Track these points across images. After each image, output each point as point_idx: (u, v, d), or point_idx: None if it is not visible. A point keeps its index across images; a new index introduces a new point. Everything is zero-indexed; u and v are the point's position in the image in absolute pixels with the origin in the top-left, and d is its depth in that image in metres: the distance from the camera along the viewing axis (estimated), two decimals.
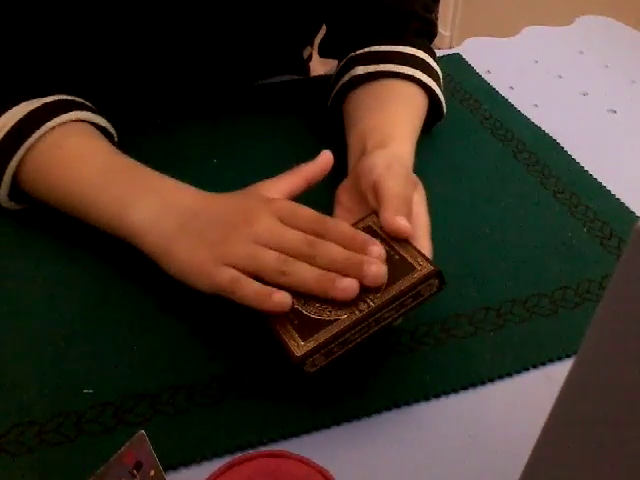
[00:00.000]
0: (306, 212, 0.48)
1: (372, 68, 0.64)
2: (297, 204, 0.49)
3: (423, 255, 0.46)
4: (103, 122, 0.59)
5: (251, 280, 0.45)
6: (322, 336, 0.43)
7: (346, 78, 0.66)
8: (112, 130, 0.61)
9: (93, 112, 0.59)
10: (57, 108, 0.56)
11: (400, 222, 0.47)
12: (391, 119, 0.60)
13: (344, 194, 0.55)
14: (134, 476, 0.37)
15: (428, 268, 0.44)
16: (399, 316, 0.44)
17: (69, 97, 0.58)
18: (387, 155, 0.53)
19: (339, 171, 0.63)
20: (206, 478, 0.38)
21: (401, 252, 0.46)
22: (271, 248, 0.46)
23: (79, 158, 0.54)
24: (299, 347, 0.43)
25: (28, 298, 0.52)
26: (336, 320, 0.43)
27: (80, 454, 0.42)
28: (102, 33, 0.65)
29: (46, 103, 0.56)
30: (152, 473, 0.37)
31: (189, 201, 0.50)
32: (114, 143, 0.61)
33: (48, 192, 0.54)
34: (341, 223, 0.48)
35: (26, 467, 0.41)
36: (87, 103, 0.60)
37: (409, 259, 0.45)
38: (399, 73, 0.64)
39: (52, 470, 0.41)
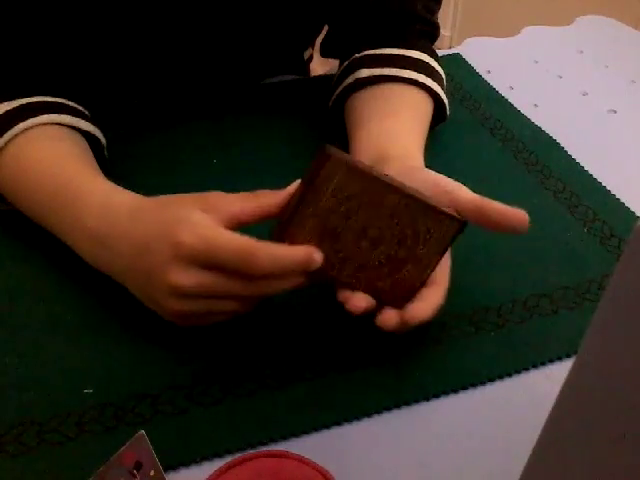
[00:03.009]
0: (226, 250, 0.42)
1: (377, 71, 0.64)
2: (212, 238, 0.42)
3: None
4: (85, 126, 0.58)
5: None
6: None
7: (350, 80, 0.66)
8: (98, 134, 0.60)
9: (76, 115, 0.58)
10: (32, 110, 0.55)
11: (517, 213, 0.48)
12: (402, 128, 0.60)
13: None
14: (134, 476, 0.37)
15: (455, 213, 0.45)
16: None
17: (51, 99, 0.57)
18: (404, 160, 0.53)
19: None
20: (206, 478, 0.38)
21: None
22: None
23: (34, 171, 0.53)
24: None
25: (28, 298, 0.52)
26: None
27: (80, 454, 0.42)
28: (103, 33, 0.65)
29: (22, 105, 0.55)
30: (152, 473, 0.37)
31: (106, 230, 0.48)
32: (102, 147, 0.61)
33: (13, 199, 0.55)
34: (272, 249, 0.42)
35: (26, 467, 0.41)
36: (75, 106, 0.59)
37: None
38: (405, 77, 0.64)
39: (52, 470, 0.41)
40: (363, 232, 0.44)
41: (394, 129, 0.60)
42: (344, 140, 0.64)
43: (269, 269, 0.42)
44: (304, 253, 0.43)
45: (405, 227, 0.45)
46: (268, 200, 0.45)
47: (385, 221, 0.44)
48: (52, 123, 0.56)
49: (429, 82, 0.65)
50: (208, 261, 0.42)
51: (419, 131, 0.62)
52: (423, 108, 0.65)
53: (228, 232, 0.43)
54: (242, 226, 0.44)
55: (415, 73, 0.64)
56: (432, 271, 0.46)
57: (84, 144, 0.58)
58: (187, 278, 0.42)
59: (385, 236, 0.45)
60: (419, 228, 0.45)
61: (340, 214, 0.44)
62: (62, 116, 0.56)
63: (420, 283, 0.46)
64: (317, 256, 0.43)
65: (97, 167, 0.56)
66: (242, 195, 0.46)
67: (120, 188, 0.51)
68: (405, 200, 0.44)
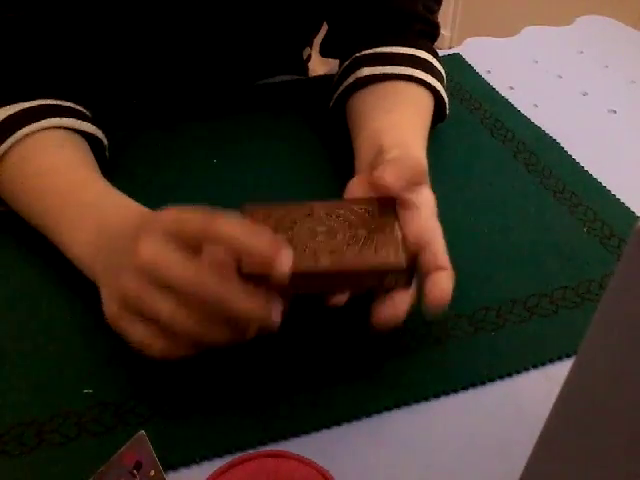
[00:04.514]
0: (192, 220, 0.41)
1: (378, 70, 0.64)
2: (184, 210, 0.42)
3: (404, 245, 0.44)
4: (87, 128, 0.58)
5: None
6: None
7: (351, 79, 0.66)
8: (100, 135, 0.60)
9: (78, 118, 0.58)
10: (34, 114, 0.55)
11: (384, 174, 0.46)
12: (404, 123, 0.60)
13: (357, 189, 0.53)
14: (134, 476, 0.37)
15: (396, 260, 0.44)
16: (357, 288, 0.45)
17: (53, 102, 0.57)
18: (402, 150, 0.52)
19: (341, 171, 0.63)
20: (206, 478, 0.38)
21: (387, 232, 0.45)
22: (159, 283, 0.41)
23: (37, 176, 0.53)
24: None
25: (28, 298, 0.52)
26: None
27: (80, 454, 0.42)
28: (101, 33, 0.65)
29: (25, 109, 0.55)
30: (152, 473, 0.37)
31: (114, 232, 0.47)
32: (103, 148, 0.61)
33: (13, 204, 0.55)
34: (233, 226, 0.40)
35: (26, 467, 0.41)
36: (76, 107, 0.59)
37: (388, 242, 0.45)
38: (406, 75, 0.64)
39: (52, 470, 0.41)
40: (312, 232, 0.45)
41: (394, 123, 0.60)
42: (345, 140, 0.64)
43: (227, 240, 0.40)
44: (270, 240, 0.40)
45: (346, 215, 0.47)
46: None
47: (325, 220, 0.46)
48: (54, 127, 0.56)
49: (430, 80, 0.64)
50: (175, 233, 0.41)
51: (420, 124, 0.62)
52: (424, 104, 0.65)
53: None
54: None
55: (417, 71, 0.64)
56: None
57: (86, 147, 0.58)
58: (146, 251, 0.40)
59: (335, 226, 0.46)
60: (356, 214, 0.47)
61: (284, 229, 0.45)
62: (64, 119, 0.56)
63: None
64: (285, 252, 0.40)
65: (98, 172, 0.55)
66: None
67: (122, 200, 0.51)
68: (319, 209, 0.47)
